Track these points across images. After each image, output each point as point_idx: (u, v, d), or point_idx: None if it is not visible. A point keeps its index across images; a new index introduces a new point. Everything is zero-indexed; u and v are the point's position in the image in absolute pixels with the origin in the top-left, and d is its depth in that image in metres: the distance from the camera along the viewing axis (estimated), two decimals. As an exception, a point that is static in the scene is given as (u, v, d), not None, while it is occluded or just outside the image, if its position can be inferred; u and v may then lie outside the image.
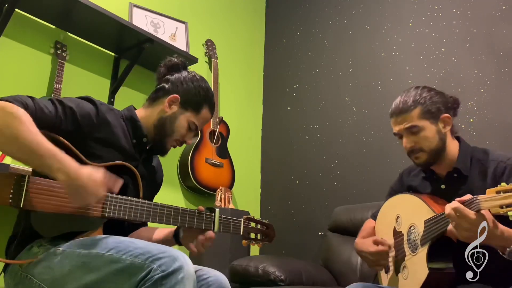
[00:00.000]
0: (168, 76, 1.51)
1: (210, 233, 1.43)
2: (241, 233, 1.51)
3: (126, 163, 1.34)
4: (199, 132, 2.76)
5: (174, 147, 1.51)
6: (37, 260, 1.18)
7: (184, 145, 2.77)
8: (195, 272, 1.36)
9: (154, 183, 1.57)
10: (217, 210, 1.46)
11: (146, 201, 1.32)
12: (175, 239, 1.47)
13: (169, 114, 1.46)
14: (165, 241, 1.48)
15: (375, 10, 3.01)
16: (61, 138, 1.24)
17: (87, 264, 1.13)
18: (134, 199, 1.30)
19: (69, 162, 1.13)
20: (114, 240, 1.17)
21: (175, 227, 1.48)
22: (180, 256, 1.12)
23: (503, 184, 1.16)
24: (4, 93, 2.06)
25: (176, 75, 1.51)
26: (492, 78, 2.42)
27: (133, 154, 1.42)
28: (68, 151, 1.21)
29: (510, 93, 2.34)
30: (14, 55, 2.16)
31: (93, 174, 1.15)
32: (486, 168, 1.47)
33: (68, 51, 2.28)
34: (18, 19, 2.16)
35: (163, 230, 1.52)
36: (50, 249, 1.19)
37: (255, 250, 3.09)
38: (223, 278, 1.38)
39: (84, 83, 2.39)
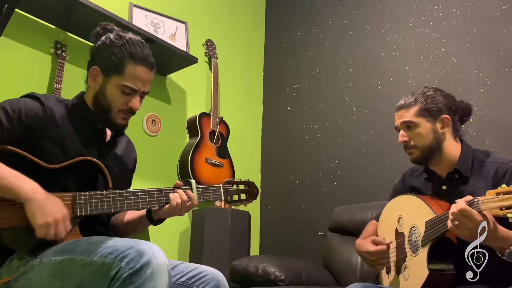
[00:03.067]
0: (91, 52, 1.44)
1: (189, 192, 1.38)
2: (223, 198, 1.48)
3: (86, 157, 1.29)
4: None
5: (126, 119, 1.40)
6: (18, 273, 1.16)
7: (184, 146, 2.82)
8: (192, 270, 1.36)
9: (124, 167, 1.50)
10: (193, 181, 1.41)
11: (117, 191, 1.28)
12: (148, 219, 1.41)
13: (98, 89, 1.38)
14: (138, 221, 1.45)
15: (375, 10, 3.01)
16: (14, 149, 1.21)
17: (63, 271, 1.12)
18: (104, 191, 1.26)
19: (22, 186, 1.12)
20: (85, 242, 1.15)
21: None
22: (147, 249, 1.07)
23: (503, 186, 1.17)
24: (4, 93, 2.07)
25: (93, 48, 1.44)
26: (492, 78, 2.42)
27: (93, 144, 1.37)
28: (24, 160, 1.19)
29: (510, 93, 2.34)
30: (14, 55, 2.15)
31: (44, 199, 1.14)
32: (487, 169, 1.48)
33: (68, 51, 2.28)
34: (18, 19, 2.16)
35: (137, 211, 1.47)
36: (29, 261, 1.17)
37: (255, 250, 3.09)
38: (220, 276, 1.37)
39: (84, 83, 2.39)
